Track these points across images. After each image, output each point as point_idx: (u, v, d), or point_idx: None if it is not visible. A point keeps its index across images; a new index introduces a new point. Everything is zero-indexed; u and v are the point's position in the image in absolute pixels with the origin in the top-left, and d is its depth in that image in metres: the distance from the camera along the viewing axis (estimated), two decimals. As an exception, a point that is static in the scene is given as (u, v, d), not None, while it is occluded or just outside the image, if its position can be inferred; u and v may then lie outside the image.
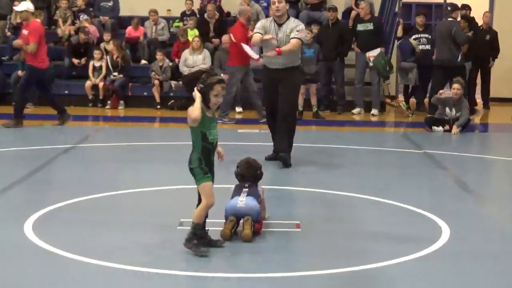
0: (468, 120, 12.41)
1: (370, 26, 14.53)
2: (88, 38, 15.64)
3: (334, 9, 14.90)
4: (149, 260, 5.27)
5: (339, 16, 17.02)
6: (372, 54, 14.24)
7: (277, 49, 8.82)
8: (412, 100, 15.19)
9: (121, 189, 7.67)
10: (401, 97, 15.93)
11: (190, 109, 5.40)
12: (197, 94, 5.39)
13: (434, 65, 13.57)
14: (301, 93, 13.31)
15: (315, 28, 14.79)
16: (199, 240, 5.44)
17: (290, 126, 9.06)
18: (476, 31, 15.20)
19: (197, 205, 5.54)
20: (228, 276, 5.03)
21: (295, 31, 8.93)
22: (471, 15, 15.75)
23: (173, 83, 15.02)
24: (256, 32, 9.07)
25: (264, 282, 4.95)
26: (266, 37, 8.86)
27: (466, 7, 15.76)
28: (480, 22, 15.79)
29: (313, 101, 13.94)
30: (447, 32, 13.30)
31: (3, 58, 15.84)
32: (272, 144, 9.31)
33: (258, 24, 9.18)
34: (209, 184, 5.47)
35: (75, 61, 15.46)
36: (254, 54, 10.24)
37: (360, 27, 14.68)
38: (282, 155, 9.03)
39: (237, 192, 6.11)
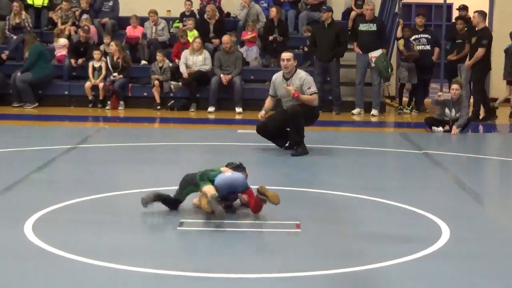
0: (468, 121, 12.41)
1: (373, 27, 14.44)
2: (88, 37, 15.63)
3: (329, 10, 14.72)
4: (149, 261, 5.28)
5: (339, 17, 17.05)
6: (374, 55, 14.22)
7: (296, 93, 9.49)
8: (405, 100, 15.25)
9: (122, 190, 7.68)
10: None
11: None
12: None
13: None
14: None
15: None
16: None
17: (300, 123, 9.61)
18: (472, 32, 15.17)
19: None
20: (228, 277, 5.03)
21: (306, 88, 9.57)
22: (469, 15, 15.73)
23: (173, 83, 15.02)
24: (270, 94, 10.06)
25: (264, 282, 4.95)
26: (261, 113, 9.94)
27: (464, 8, 15.75)
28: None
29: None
30: None
31: (4, 55, 15.79)
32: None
33: (272, 82, 9.99)
34: None
35: (73, 61, 15.42)
36: None
37: (362, 27, 14.54)
38: (293, 151, 9.71)
39: None
